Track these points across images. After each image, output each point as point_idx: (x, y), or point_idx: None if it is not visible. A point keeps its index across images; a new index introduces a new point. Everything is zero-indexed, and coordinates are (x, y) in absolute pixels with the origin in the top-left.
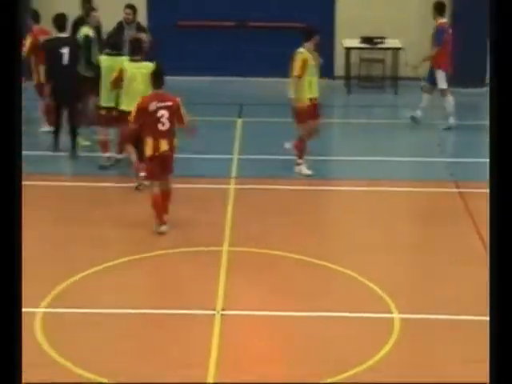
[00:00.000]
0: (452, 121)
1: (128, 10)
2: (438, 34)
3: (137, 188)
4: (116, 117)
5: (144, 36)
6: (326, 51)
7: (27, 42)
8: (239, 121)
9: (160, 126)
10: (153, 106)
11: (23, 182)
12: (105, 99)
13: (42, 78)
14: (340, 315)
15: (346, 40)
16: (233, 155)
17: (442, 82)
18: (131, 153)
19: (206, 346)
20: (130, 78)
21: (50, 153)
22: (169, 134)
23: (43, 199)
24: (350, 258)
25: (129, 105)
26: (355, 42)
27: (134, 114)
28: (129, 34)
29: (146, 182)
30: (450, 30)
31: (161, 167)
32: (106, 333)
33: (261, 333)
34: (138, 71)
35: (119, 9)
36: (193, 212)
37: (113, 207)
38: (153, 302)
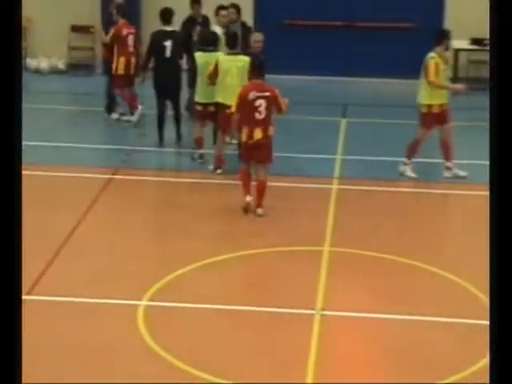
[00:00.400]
0: None
1: (232, 10)
2: None
3: (215, 170)
4: (212, 112)
5: (259, 36)
6: None
7: (110, 32)
8: (343, 121)
9: (257, 115)
10: (252, 95)
11: (126, 177)
12: (201, 95)
13: (120, 70)
14: (442, 320)
15: (455, 41)
16: (336, 155)
17: None
18: (222, 142)
19: (306, 345)
20: (225, 72)
21: (155, 148)
22: (264, 123)
23: (141, 195)
24: (452, 261)
25: (224, 98)
26: (464, 44)
27: (236, 103)
28: None
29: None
30: None
31: (254, 153)
32: (208, 329)
33: (361, 334)
34: (234, 64)
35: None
36: (294, 211)
37: (211, 203)
38: (253, 300)
